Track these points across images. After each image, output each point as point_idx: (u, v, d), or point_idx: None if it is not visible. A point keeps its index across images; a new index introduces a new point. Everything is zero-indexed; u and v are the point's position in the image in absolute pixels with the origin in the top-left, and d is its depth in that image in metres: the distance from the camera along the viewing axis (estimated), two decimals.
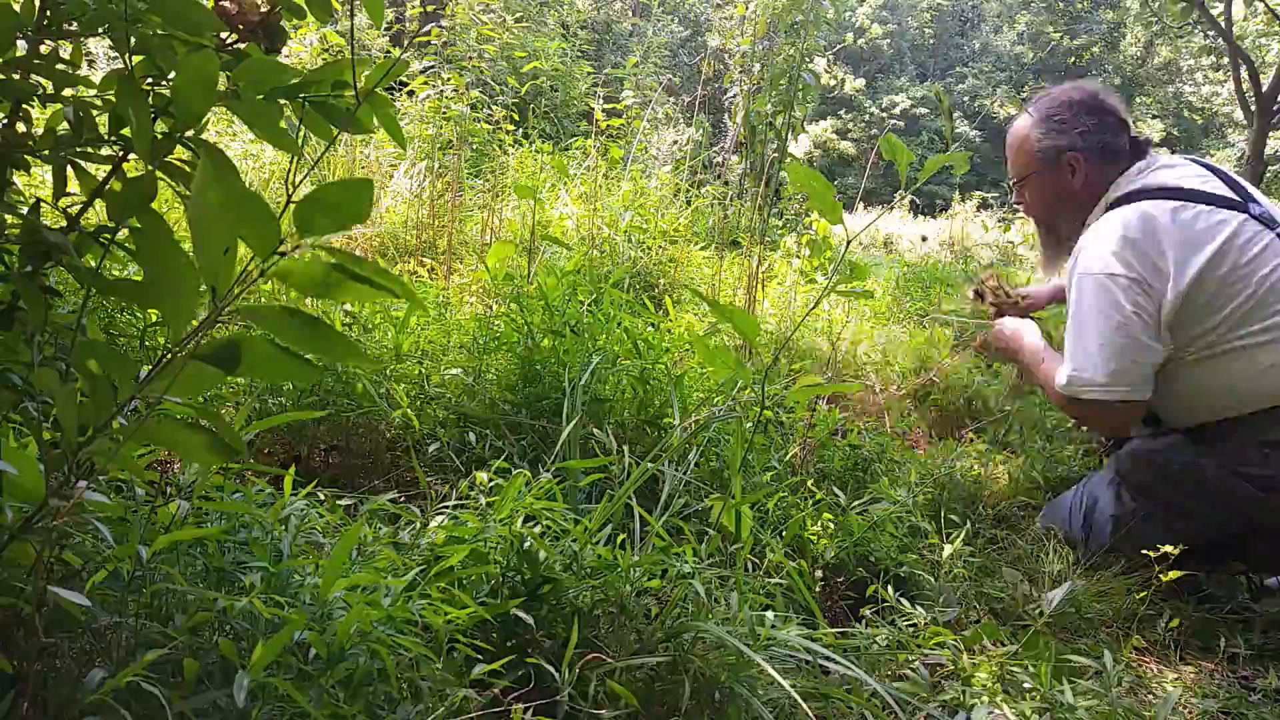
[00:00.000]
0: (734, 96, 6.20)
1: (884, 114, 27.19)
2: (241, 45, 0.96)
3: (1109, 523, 2.10)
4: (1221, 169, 2.12)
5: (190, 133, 0.86)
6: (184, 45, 0.88)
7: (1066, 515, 2.20)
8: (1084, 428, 2.37)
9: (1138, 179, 2.09)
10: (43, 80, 0.92)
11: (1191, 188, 2.01)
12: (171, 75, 0.91)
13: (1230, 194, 2.01)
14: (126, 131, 0.92)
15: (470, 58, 4.51)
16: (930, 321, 3.81)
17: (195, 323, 0.71)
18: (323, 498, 1.43)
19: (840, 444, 2.24)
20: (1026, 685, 1.41)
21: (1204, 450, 1.98)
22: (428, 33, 4.59)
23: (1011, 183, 2.32)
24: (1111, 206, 2.09)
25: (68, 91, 0.93)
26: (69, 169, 0.97)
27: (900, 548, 1.87)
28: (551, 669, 1.18)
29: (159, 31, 0.87)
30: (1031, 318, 2.41)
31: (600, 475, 1.67)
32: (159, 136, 0.88)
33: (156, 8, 0.84)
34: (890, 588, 1.67)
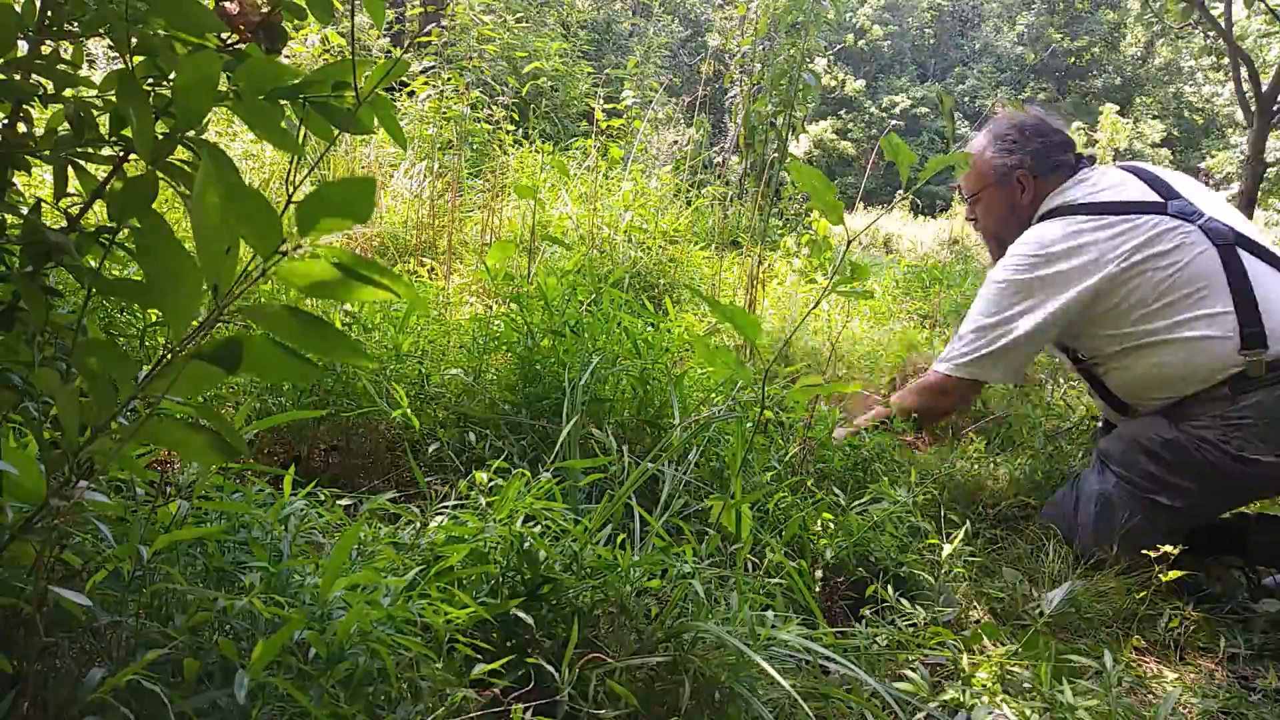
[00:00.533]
0: (734, 97, 6.20)
1: (884, 114, 27.18)
2: (242, 46, 0.96)
3: (1094, 499, 2.16)
4: (1147, 170, 2.31)
5: (191, 133, 0.86)
6: (185, 46, 0.88)
7: (1059, 508, 2.25)
8: (929, 413, 2.51)
9: (1064, 194, 2.30)
10: (44, 80, 0.92)
11: (1103, 200, 2.22)
12: (172, 76, 0.91)
13: (1149, 196, 2.19)
14: (127, 132, 0.93)
15: (470, 58, 4.51)
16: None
17: (196, 322, 0.71)
18: (323, 498, 1.43)
19: (840, 443, 2.24)
20: (1026, 685, 1.41)
21: (1176, 425, 2.09)
22: (428, 33, 4.60)
23: (965, 198, 2.53)
24: (1041, 219, 2.31)
25: (68, 92, 0.94)
26: (70, 169, 0.97)
27: (900, 548, 1.87)
28: (551, 669, 1.18)
29: (160, 32, 0.87)
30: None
31: (600, 475, 1.67)
32: (160, 137, 0.89)
33: (157, 8, 0.84)
34: (890, 588, 1.67)
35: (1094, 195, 2.24)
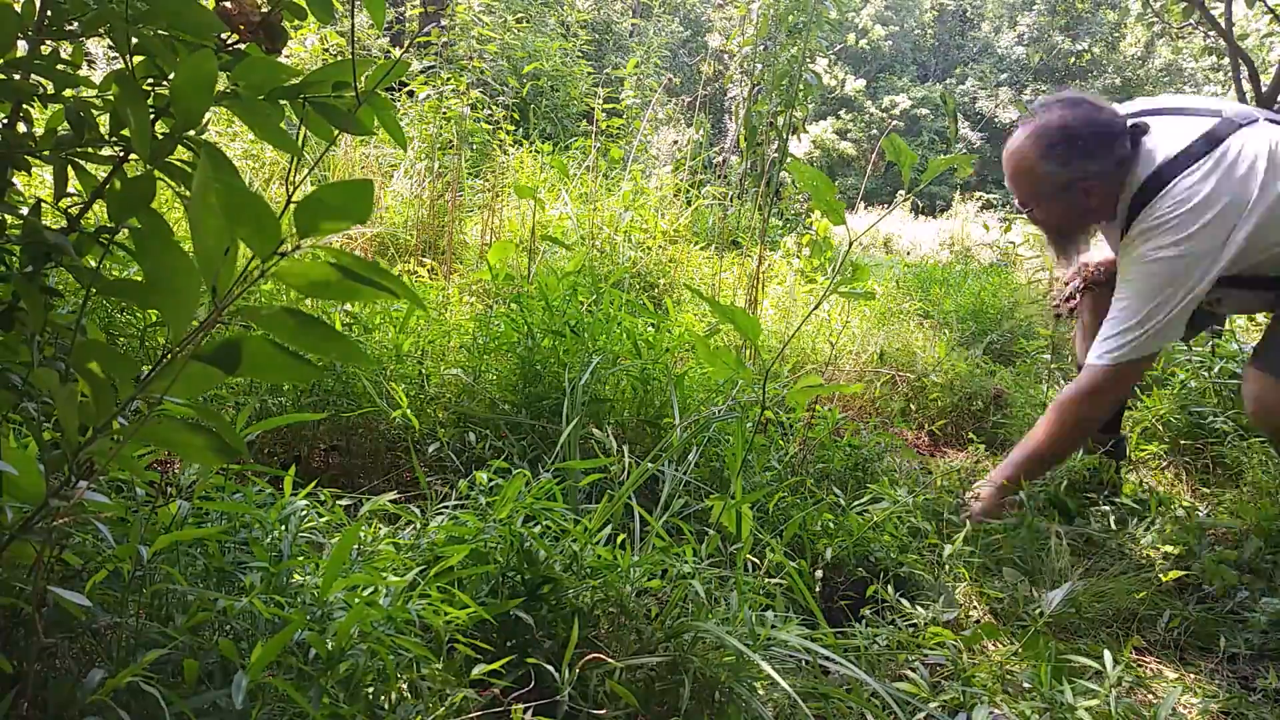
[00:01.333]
0: (735, 97, 6.20)
1: (884, 114, 27.17)
2: (242, 45, 0.96)
3: None
4: (1169, 103, 2.30)
5: (191, 133, 0.86)
6: (185, 46, 0.88)
7: None
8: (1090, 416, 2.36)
9: (1156, 157, 2.17)
10: (43, 81, 0.92)
11: (1190, 143, 2.15)
12: (171, 76, 0.91)
13: (1210, 122, 2.18)
14: (127, 132, 0.92)
15: (470, 58, 4.51)
16: (934, 323, 3.80)
17: (195, 323, 0.71)
18: (323, 498, 1.43)
19: (840, 444, 2.24)
20: (1026, 685, 1.41)
21: None
22: (428, 33, 4.60)
23: (1020, 205, 2.35)
24: (1145, 186, 2.17)
25: (68, 92, 0.94)
26: (69, 169, 0.97)
27: (900, 547, 1.87)
28: (551, 669, 1.18)
29: (159, 32, 0.87)
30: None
31: (600, 475, 1.67)
32: (159, 137, 0.89)
33: (157, 9, 0.84)
34: (890, 588, 1.67)
35: (1181, 145, 2.15)
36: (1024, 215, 2.43)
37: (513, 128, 4.84)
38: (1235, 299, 2.31)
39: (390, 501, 1.40)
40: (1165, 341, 2.17)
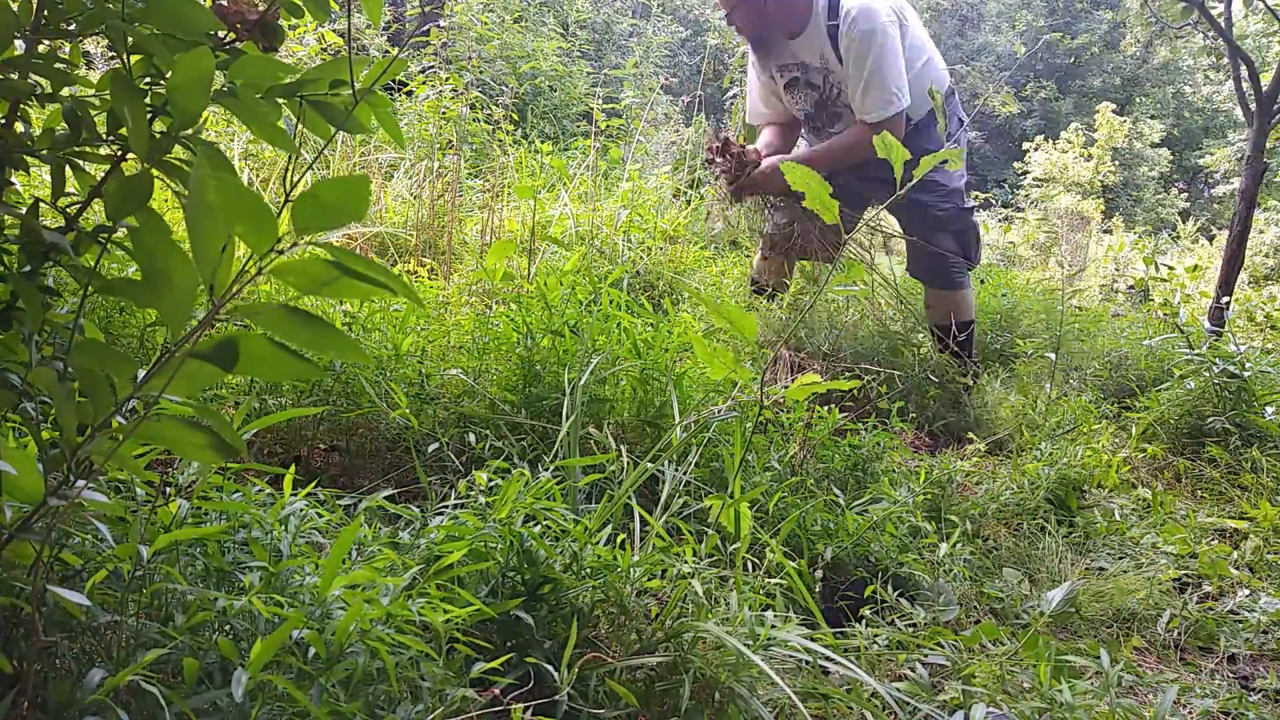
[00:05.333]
0: (734, 97, 6.20)
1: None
2: (239, 44, 0.96)
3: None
4: None
5: (188, 131, 0.86)
6: (181, 44, 0.88)
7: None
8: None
9: None
10: (41, 80, 0.92)
11: None
12: (168, 74, 0.91)
13: None
14: (124, 131, 0.92)
15: (470, 58, 4.51)
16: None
17: (193, 321, 0.71)
18: (323, 498, 1.43)
19: (840, 444, 2.23)
20: (1026, 685, 1.41)
21: None
22: (426, 32, 4.59)
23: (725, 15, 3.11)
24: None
25: (66, 91, 0.93)
26: (67, 169, 0.97)
27: (900, 548, 1.87)
28: (551, 669, 1.18)
29: (156, 31, 0.87)
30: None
31: (600, 475, 1.67)
32: (156, 135, 0.88)
33: (154, 7, 0.84)
34: (890, 588, 1.67)
35: None
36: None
37: (512, 128, 4.84)
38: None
39: (390, 501, 1.40)
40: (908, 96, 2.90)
